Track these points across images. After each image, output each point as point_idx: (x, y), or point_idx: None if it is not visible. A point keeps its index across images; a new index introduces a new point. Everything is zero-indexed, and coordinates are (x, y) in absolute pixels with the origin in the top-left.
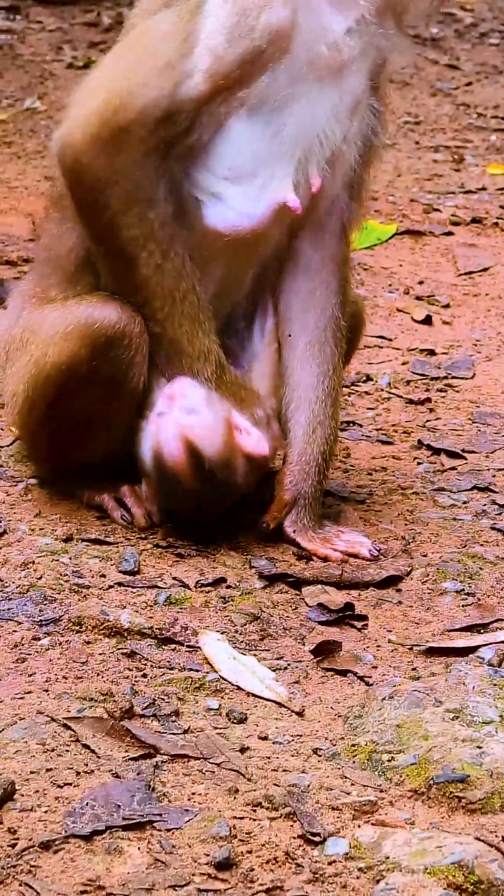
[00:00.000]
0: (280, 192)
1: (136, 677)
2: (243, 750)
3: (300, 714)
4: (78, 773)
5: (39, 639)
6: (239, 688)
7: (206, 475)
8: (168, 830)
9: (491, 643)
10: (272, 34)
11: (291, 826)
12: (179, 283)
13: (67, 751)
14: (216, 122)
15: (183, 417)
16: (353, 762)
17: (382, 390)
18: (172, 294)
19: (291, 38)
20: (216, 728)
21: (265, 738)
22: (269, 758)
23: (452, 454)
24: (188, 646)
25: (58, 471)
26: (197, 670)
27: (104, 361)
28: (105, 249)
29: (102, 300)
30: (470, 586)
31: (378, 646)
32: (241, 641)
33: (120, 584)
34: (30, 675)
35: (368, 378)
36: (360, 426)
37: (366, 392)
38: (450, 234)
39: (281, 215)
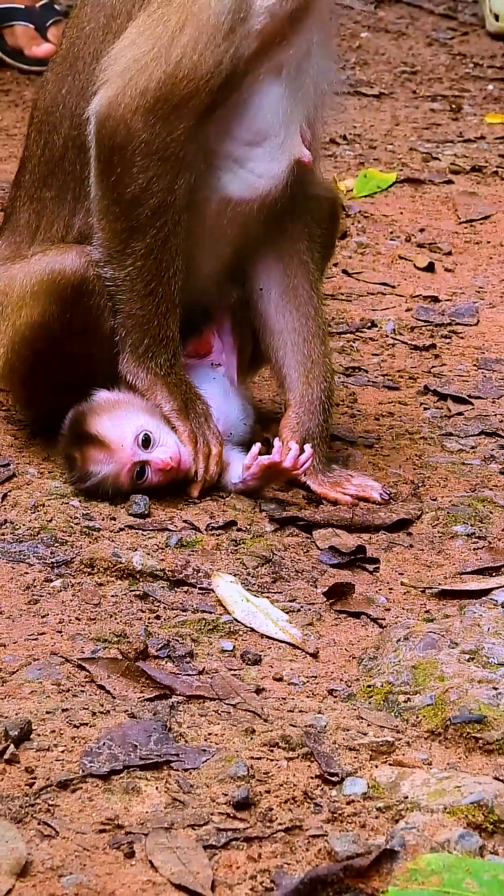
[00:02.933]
0: (296, 148)
1: (149, 619)
2: (259, 691)
3: (314, 655)
4: (94, 714)
5: (52, 580)
6: (253, 630)
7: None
8: (185, 770)
9: None
10: None
11: (309, 766)
12: (174, 262)
13: (83, 691)
14: (255, 84)
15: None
16: (369, 703)
17: (387, 336)
18: (166, 271)
19: None
20: (231, 669)
21: (280, 680)
22: (284, 699)
23: (459, 400)
24: (201, 588)
25: (46, 422)
26: (210, 612)
27: (76, 312)
28: (118, 216)
29: (61, 250)
30: (480, 530)
31: (391, 588)
32: (254, 584)
33: (130, 526)
34: (43, 617)
35: (373, 324)
36: (366, 372)
37: (370, 338)
38: (450, 182)
39: (290, 172)
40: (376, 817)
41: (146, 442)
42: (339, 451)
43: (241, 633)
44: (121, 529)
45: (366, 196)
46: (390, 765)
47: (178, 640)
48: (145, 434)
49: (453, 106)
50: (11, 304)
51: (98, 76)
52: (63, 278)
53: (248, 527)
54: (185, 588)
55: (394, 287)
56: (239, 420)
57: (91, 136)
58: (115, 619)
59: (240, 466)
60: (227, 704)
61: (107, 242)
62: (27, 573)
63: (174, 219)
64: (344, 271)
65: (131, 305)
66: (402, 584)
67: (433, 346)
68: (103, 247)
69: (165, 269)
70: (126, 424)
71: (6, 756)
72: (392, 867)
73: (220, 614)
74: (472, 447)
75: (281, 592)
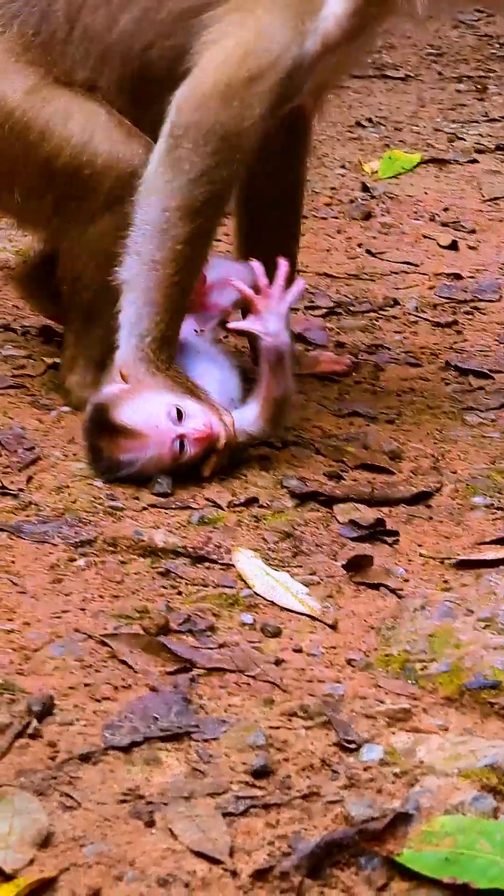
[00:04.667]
0: None
1: (171, 595)
2: (278, 662)
3: (333, 627)
4: (115, 688)
5: (75, 560)
6: (273, 603)
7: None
8: (205, 741)
9: None
10: None
11: (327, 734)
12: (203, 252)
13: (105, 666)
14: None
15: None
16: (387, 672)
17: (409, 314)
18: (197, 262)
19: None
20: (251, 642)
21: (299, 651)
22: (303, 669)
23: (480, 374)
24: (222, 563)
25: None
26: (231, 587)
27: None
28: (173, 194)
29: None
30: (499, 501)
31: (409, 560)
32: (274, 558)
33: (153, 505)
34: (66, 595)
35: (396, 302)
36: (389, 349)
37: (393, 316)
38: (474, 161)
39: None
40: (392, 782)
41: (179, 415)
42: (360, 427)
43: (261, 606)
44: (144, 508)
45: (391, 177)
46: (407, 731)
47: (198, 615)
48: (176, 408)
49: (479, 86)
50: None
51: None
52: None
53: (270, 503)
54: (207, 564)
55: (417, 266)
56: (233, 383)
57: (169, 116)
58: (138, 595)
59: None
60: (247, 676)
61: (154, 219)
62: (51, 553)
63: (221, 210)
64: (368, 251)
65: (155, 292)
66: (420, 555)
67: (455, 322)
68: (149, 223)
69: (198, 259)
70: (153, 406)
71: (29, 731)
72: (407, 830)
73: (241, 588)
74: (493, 420)
75: (301, 566)
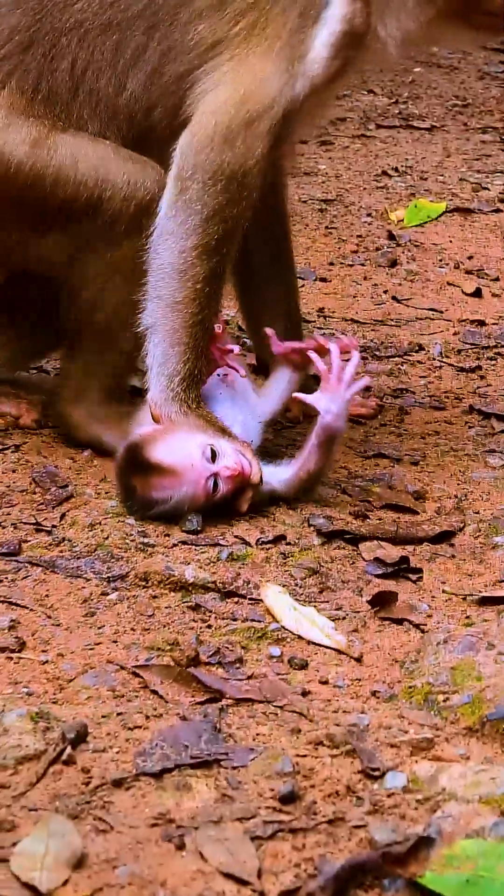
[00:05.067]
0: None
1: (201, 628)
2: (305, 693)
3: (359, 660)
4: (147, 717)
5: (108, 594)
6: (300, 637)
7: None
8: (234, 768)
9: None
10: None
11: (352, 762)
12: (220, 290)
13: (137, 696)
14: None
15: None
16: (410, 703)
17: (434, 359)
18: (216, 302)
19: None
20: (279, 674)
21: (325, 683)
22: (329, 700)
23: (502, 418)
24: (250, 598)
25: None
26: (259, 621)
27: None
28: (188, 234)
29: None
30: None
31: (433, 596)
32: (301, 594)
33: (184, 542)
34: (99, 628)
35: (420, 348)
36: (413, 393)
37: (418, 361)
38: (498, 211)
39: None
40: (415, 808)
41: (213, 455)
42: (386, 468)
43: (288, 639)
44: (174, 545)
45: (416, 225)
46: (429, 760)
47: (228, 647)
48: (211, 448)
49: (503, 137)
50: None
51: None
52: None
53: (297, 540)
54: (236, 599)
55: (442, 312)
56: (254, 426)
57: (175, 162)
58: (169, 628)
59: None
60: (275, 706)
61: (172, 261)
62: (84, 587)
63: (234, 249)
64: (394, 297)
65: (181, 332)
66: (443, 591)
67: (479, 367)
68: (166, 266)
69: (217, 296)
70: (188, 445)
71: (63, 757)
72: (429, 854)
73: (269, 623)
74: None
75: (328, 601)
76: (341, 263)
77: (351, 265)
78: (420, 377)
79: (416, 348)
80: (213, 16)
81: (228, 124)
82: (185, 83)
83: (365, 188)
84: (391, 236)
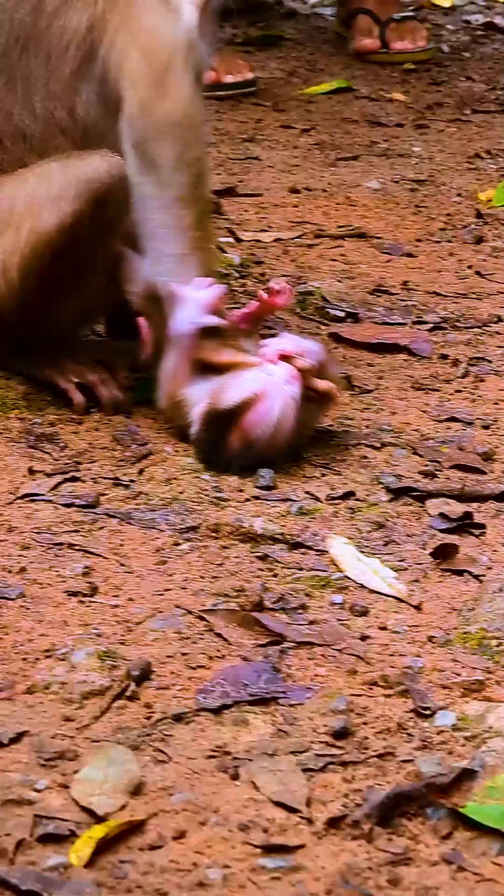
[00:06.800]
0: None
1: (267, 577)
2: (364, 638)
3: (418, 608)
4: (210, 658)
5: (179, 544)
6: (362, 586)
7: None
8: (291, 705)
9: None
10: None
11: (404, 702)
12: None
13: (201, 638)
14: None
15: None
16: (465, 648)
17: None
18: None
19: None
20: (339, 620)
21: (384, 629)
22: (386, 645)
23: None
24: (317, 550)
25: (18, 347)
26: (324, 571)
27: (103, 211)
28: (181, 202)
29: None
30: None
31: (494, 550)
32: (367, 546)
33: (256, 497)
34: (169, 576)
35: (500, 319)
36: (489, 362)
37: (496, 332)
38: None
39: None
40: (462, 745)
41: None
42: (457, 431)
43: (351, 588)
44: (247, 500)
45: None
46: (479, 700)
47: (292, 595)
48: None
49: None
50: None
51: None
52: (102, 182)
53: (366, 497)
54: (303, 550)
55: None
56: None
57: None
58: (236, 576)
59: None
60: (334, 649)
61: (160, 220)
62: (157, 538)
63: (208, 189)
64: (477, 273)
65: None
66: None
67: None
68: (158, 227)
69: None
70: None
71: (127, 693)
72: (472, 785)
73: (333, 572)
74: None
75: (391, 554)
76: (428, 240)
77: (438, 242)
78: (497, 347)
79: (496, 320)
80: (68, 9)
81: (153, 81)
82: (88, 76)
83: (457, 170)
84: (479, 215)
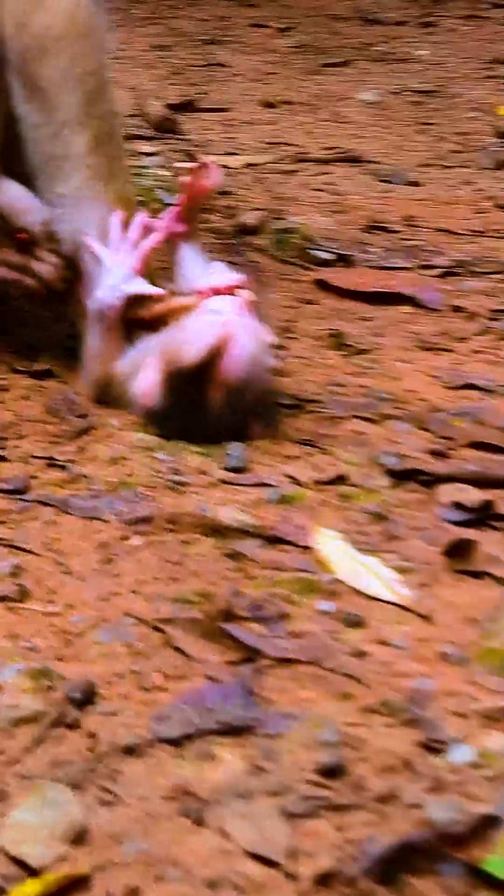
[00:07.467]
0: None
1: (238, 578)
2: (359, 654)
3: (427, 618)
4: (167, 677)
5: (129, 538)
6: (357, 591)
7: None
8: (268, 736)
9: None
10: None
11: (410, 733)
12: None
13: (157, 654)
14: None
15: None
16: (484, 667)
17: None
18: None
19: None
20: (329, 632)
21: (385, 643)
22: (388, 663)
23: None
24: (301, 546)
25: None
26: (309, 572)
27: None
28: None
29: None
30: None
31: None
32: (363, 542)
33: (223, 481)
34: (117, 576)
35: None
36: None
37: None
38: None
39: None
40: (482, 786)
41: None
42: (475, 400)
43: (343, 593)
44: (212, 484)
45: None
46: (502, 732)
47: (269, 601)
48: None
49: None
50: None
51: None
52: None
53: (361, 481)
54: (283, 546)
55: None
56: None
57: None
58: (200, 578)
59: None
60: (322, 668)
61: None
62: (102, 530)
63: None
64: (498, 206)
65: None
66: None
67: None
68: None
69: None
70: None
71: (67, 720)
72: (493, 835)
73: (321, 574)
74: None
75: (394, 552)
76: (437, 165)
77: (449, 167)
78: None
79: None
80: None
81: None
82: None
83: (472, 78)
84: (500, 134)
